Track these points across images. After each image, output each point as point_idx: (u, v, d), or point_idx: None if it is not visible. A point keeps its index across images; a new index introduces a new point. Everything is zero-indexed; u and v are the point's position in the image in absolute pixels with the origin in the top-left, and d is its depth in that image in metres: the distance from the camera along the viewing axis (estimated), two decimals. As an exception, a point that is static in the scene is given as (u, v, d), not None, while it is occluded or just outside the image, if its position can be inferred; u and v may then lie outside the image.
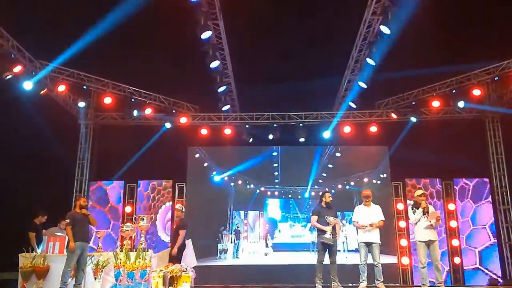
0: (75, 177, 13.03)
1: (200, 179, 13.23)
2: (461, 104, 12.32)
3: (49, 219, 9.33)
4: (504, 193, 12.69)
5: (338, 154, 13.47)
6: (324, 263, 8.14)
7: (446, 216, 12.31)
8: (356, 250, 8.74)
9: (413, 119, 12.87)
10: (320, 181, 13.21)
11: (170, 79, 12.53)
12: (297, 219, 13.50)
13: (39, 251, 8.36)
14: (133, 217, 12.11)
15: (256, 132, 13.42)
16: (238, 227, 13.25)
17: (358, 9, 10.74)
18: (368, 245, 8.07)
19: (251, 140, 13.48)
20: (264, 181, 13.40)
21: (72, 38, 10.82)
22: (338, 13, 11.46)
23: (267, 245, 13.19)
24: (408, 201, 12.20)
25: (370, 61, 11.15)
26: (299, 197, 13.50)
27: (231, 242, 13.03)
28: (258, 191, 13.40)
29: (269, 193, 13.48)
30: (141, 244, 7.01)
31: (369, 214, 8.16)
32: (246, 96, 13.49)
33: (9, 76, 10.58)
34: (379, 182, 13.09)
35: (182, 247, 8.63)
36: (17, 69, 10.74)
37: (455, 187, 12.57)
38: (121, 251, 6.73)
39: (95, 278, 7.41)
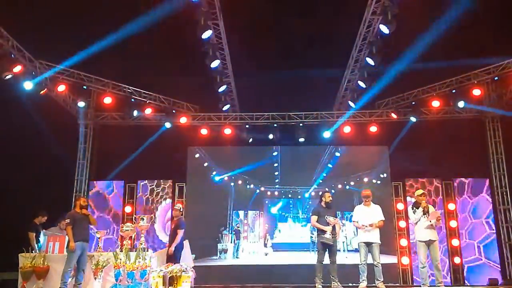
0: (75, 177, 13.04)
1: (200, 179, 13.23)
2: (461, 104, 12.32)
3: (49, 219, 9.34)
4: (504, 193, 12.69)
5: (338, 154, 13.47)
6: (324, 263, 8.14)
7: (446, 216, 12.30)
8: (356, 250, 8.74)
9: (413, 119, 12.87)
10: (320, 181, 13.22)
11: (170, 79, 12.52)
12: (297, 219, 13.50)
13: (37, 247, 8.37)
14: (133, 217, 12.17)
15: (256, 132, 13.42)
16: (238, 227, 13.25)
17: (358, 9, 10.74)
18: (368, 245, 8.07)
19: (251, 140, 13.49)
20: (264, 181, 13.41)
21: (72, 38, 10.83)
22: (338, 13, 11.44)
23: (265, 245, 13.19)
24: (409, 198, 12.21)
25: (370, 60, 11.16)
26: (299, 197, 13.51)
27: (231, 242, 13.03)
28: (258, 191, 13.40)
29: (269, 193, 13.49)
30: (141, 244, 7.01)
31: (369, 214, 8.16)
32: (246, 96, 13.50)
33: (9, 76, 10.58)
34: (379, 182, 13.10)
35: (180, 247, 8.64)
36: (17, 69, 10.73)
37: (454, 184, 12.58)
38: (121, 251, 6.73)
39: (95, 278, 7.41)
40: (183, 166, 13.13)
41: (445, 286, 8.89)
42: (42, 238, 8.61)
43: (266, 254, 13.12)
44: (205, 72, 11.70)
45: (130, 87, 12.91)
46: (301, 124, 13.26)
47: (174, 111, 13.18)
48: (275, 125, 13.33)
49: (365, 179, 13.16)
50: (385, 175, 13.08)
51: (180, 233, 8.54)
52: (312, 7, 11.78)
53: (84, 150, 13.24)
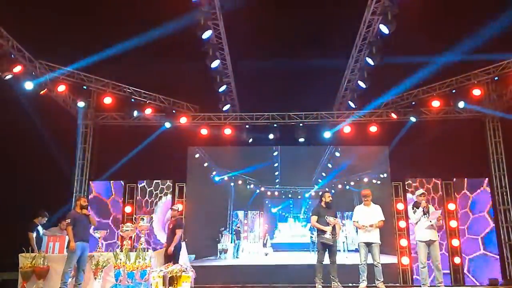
0: (75, 177, 13.03)
1: (200, 179, 13.23)
2: (461, 104, 12.32)
3: (49, 219, 9.34)
4: (504, 193, 12.68)
5: (338, 154, 13.48)
6: (324, 263, 8.14)
7: (446, 216, 12.30)
8: (356, 250, 8.74)
9: (413, 119, 12.87)
10: (320, 181, 13.22)
11: (170, 79, 12.52)
12: (297, 219, 13.50)
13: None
14: (133, 217, 12.16)
15: (256, 132, 13.42)
16: (238, 227, 13.25)
17: (358, 9, 10.73)
18: (368, 245, 8.07)
19: (251, 140, 13.49)
20: (264, 181, 13.41)
21: (72, 38, 10.83)
22: (338, 13, 11.44)
23: (265, 245, 13.19)
24: (410, 196, 12.21)
25: (370, 60, 11.16)
26: (299, 197, 13.51)
27: (231, 242, 13.03)
28: (258, 191, 13.41)
29: (269, 193, 13.49)
30: (141, 244, 7.01)
31: (369, 214, 8.16)
32: (246, 96, 13.49)
33: (9, 76, 10.57)
34: (379, 182, 13.10)
35: (179, 246, 8.65)
36: (17, 69, 10.72)
37: (454, 184, 12.57)
38: (121, 251, 6.73)
39: (95, 278, 7.41)
40: (183, 166, 13.13)
41: (445, 286, 8.88)
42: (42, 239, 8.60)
43: (266, 254, 13.12)
44: (205, 72, 11.69)
45: (130, 87, 12.91)
46: (301, 124, 13.26)
47: (174, 111, 13.17)
48: (275, 125, 13.33)
49: (365, 179, 13.17)
50: (385, 175, 13.08)
51: (179, 233, 8.54)
52: (312, 7, 11.78)
53: (84, 150, 13.23)
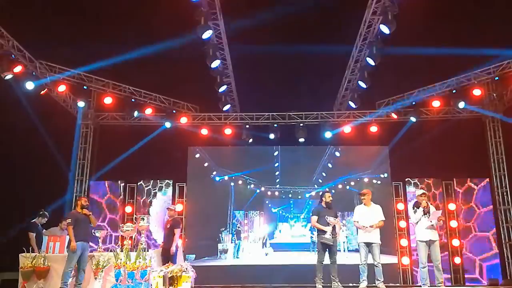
0: (75, 177, 13.03)
1: (200, 179, 13.22)
2: (461, 104, 12.32)
3: (49, 219, 9.34)
4: (504, 193, 12.68)
5: (338, 154, 13.47)
6: (324, 263, 8.14)
7: (446, 216, 12.28)
8: (356, 250, 8.73)
9: (413, 119, 12.87)
10: (320, 181, 13.22)
11: (170, 79, 12.52)
12: (297, 219, 13.50)
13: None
14: (133, 217, 12.17)
15: (256, 132, 13.42)
16: (238, 227, 13.24)
17: (358, 9, 10.73)
18: (368, 245, 8.07)
19: (251, 140, 13.49)
20: (264, 181, 13.40)
21: (72, 38, 10.83)
22: (338, 13, 11.44)
23: (264, 246, 13.18)
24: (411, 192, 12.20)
25: (370, 60, 11.16)
26: (299, 197, 13.50)
27: (231, 242, 13.02)
28: (258, 191, 13.40)
29: (269, 193, 13.48)
30: (141, 244, 7.01)
31: (369, 214, 8.16)
32: (246, 96, 13.49)
33: (9, 76, 10.57)
34: (379, 182, 13.09)
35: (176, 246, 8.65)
36: (17, 69, 10.74)
37: (458, 189, 12.51)
38: (121, 251, 6.73)
39: (96, 278, 7.41)
40: (183, 166, 13.12)
41: (445, 286, 8.89)
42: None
43: (266, 254, 13.11)
44: (205, 72, 11.68)
45: (130, 87, 12.91)
46: (301, 124, 13.26)
47: (174, 111, 13.18)
48: (275, 125, 13.33)
49: (365, 179, 13.16)
50: (385, 175, 13.08)
51: (178, 232, 8.54)
52: (312, 7, 11.77)
53: (84, 150, 13.23)
